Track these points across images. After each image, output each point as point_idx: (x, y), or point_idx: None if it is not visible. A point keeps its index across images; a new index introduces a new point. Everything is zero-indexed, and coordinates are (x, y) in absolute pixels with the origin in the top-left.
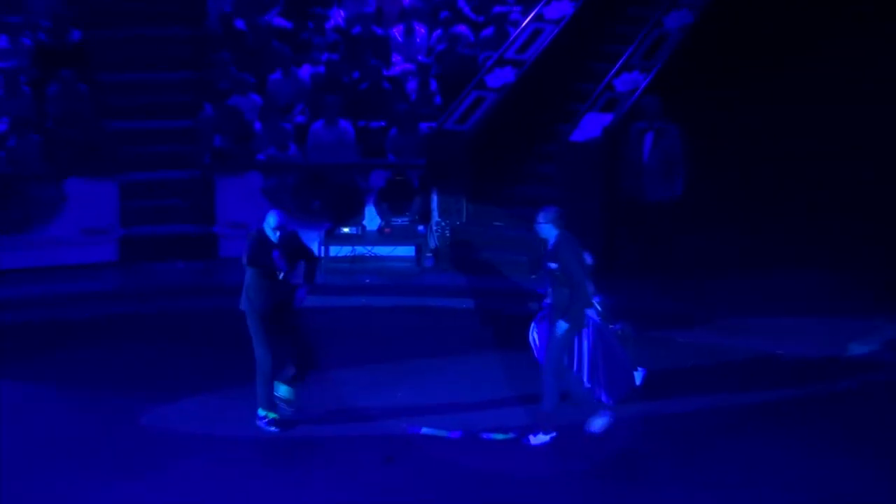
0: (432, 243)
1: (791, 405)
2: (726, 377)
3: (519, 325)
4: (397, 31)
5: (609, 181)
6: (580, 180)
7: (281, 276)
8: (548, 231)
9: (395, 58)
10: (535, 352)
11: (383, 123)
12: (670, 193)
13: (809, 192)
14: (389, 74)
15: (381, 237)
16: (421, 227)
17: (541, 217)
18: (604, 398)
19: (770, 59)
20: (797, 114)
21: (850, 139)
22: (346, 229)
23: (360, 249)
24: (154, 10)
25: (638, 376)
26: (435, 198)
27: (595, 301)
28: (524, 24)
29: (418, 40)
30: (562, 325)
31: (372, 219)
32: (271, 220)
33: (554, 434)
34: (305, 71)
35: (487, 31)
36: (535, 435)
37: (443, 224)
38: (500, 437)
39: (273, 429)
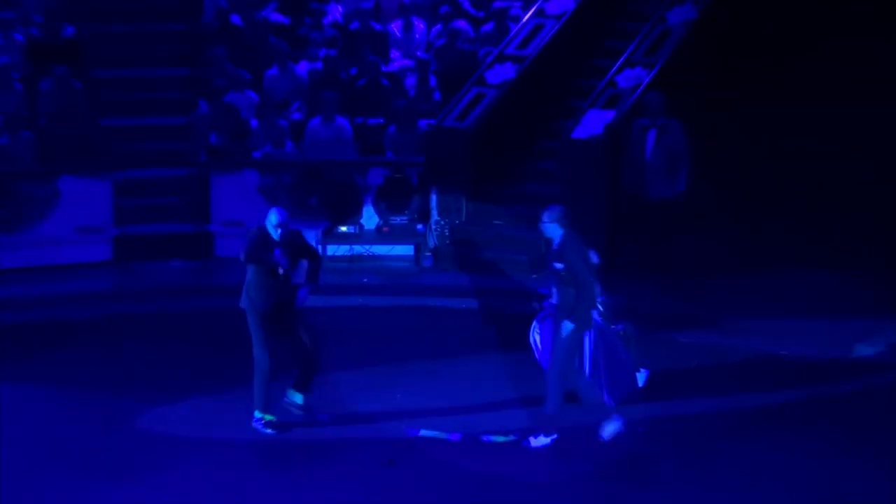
0: (431, 242)
1: (795, 407)
2: (729, 378)
3: (520, 326)
4: (396, 27)
5: (611, 179)
6: (582, 178)
7: (281, 273)
8: (553, 230)
9: (394, 53)
10: (535, 353)
11: (381, 120)
12: (673, 191)
13: (813, 191)
14: (388, 70)
15: (380, 236)
16: (420, 226)
17: (545, 216)
18: (605, 399)
19: (773, 57)
20: (800, 112)
21: (853, 138)
22: (343, 228)
23: (357, 248)
24: (149, 5)
25: (640, 377)
26: (434, 196)
27: (597, 301)
28: (525, 19)
29: (417, 35)
30: (567, 326)
31: (370, 217)
32: (273, 218)
33: (555, 436)
34: (302, 67)
35: (488, 27)
36: (535, 437)
37: (442, 223)
38: (500, 439)
39: (269, 431)
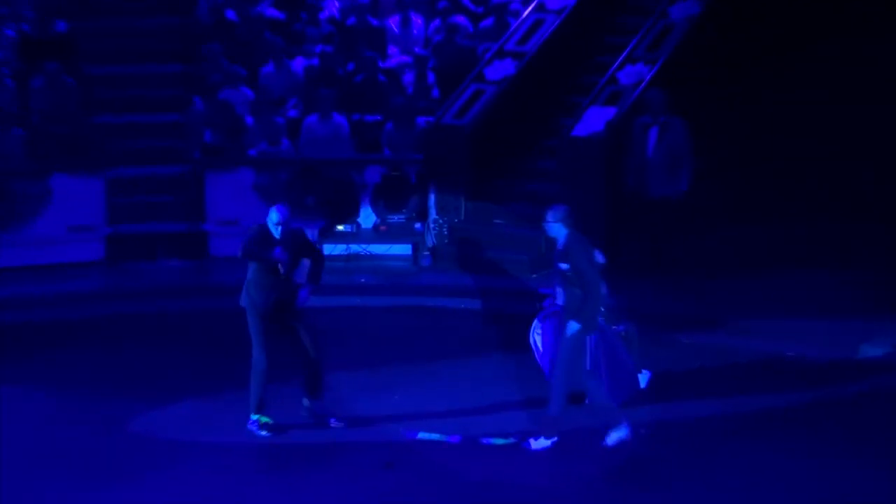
0: (430, 241)
1: (799, 409)
2: (733, 379)
3: (520, 326)
4: (393, 22)
5: (612, 177)
6: (582, 176)
7: (283, 271)
8: (557, 230)
9: (392, 49)
10: (536, 354)
11: (379, 117)
12: (675, 190)
13: (818, 190)
14: (385, 67)
15: (377, 235)
16: (418, 225)
17: (549, 216)
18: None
19: (778, 54)
20: (805, 111)
21: (860, 138)
22: (340, 227)
23: (355, 248)
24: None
25: (643, 379)
26: (432, 194)
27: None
28: (525, 14)
29: (415, 31)
30: (573, 326)
31: (367, 216)
32: (274, 215)
33: (556, 439)
34: (299, 63)
35: (487, 22)
36: (535, 439)
37: (440, 221)
38: (500, 441)
39: (264, 433)
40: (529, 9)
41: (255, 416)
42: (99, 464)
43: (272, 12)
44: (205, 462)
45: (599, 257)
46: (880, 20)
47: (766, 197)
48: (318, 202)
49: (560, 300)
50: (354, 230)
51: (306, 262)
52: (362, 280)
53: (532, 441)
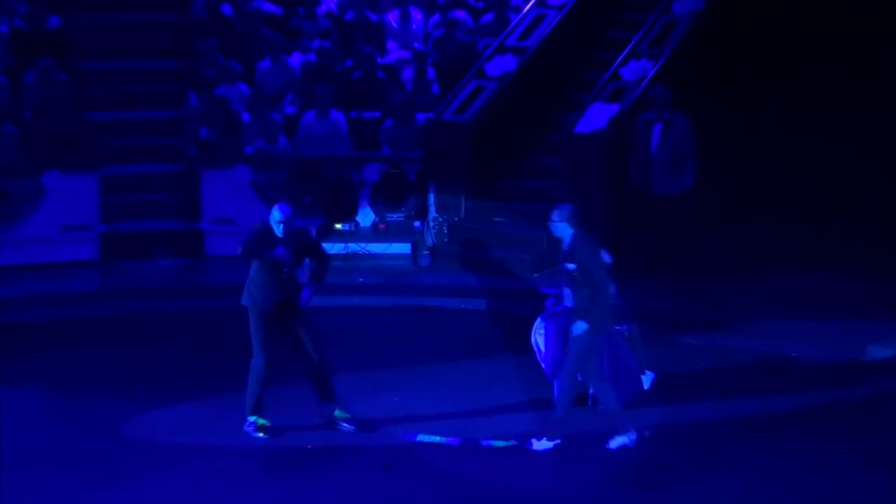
0: (429, 240)
1: (805, 411)
2: (738, 381)
3: (521, 326)
4: (392, 17)
5: (615, 175)
6: (585, 174)
7: (286, 271)
8: (562, 230)
9: (391, 45)
10: (537, 355)
11: (378, 114)
12: (679, 188)
13: (825, 189)
14: (384, 62)
15: (376, 234)
16: (417, 224)
17: (555, 215)
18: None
19: (786, 49)
20: (813, 109)
21: (869, 138)
22: (338, 226)
23: (353, 247)
24: None
25: (646, 380)
26: (432, 192)
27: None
28: (526, 9)
29: (414, 26)
30: (580, 326)
31: (366, 215)
32: (276, 214)
33: (558, 441)
34: (296, 59)
35: (487, 17)
36: (538, 440)
37: (440, 220)
38: (500, 444)
39: (260, 435)
40: (530, 4)
41: (251, 418)
42: (95, 466)
43: (269, 7)
44: (203, 464)
45: (606, 257)
46: (880, 20)
47: (775, 194)
48: (315, 200)
49: (569, 301)
50: (353, 229)
51: (310, 261)
52: (361, 280)
53: (534, 441)
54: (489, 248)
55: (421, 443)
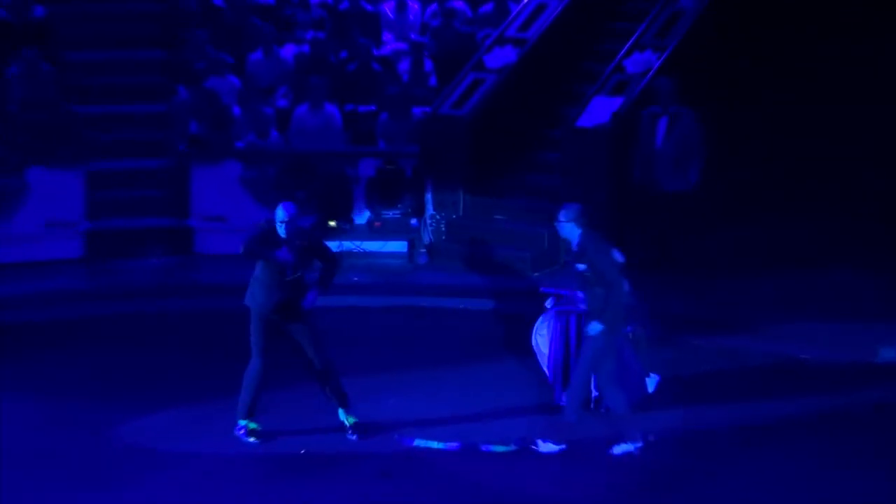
0: (426, 238)
1: (816, 414)
2: (747, 384)
3: (521, 327)
4: (388, 7)
5: (618, 170)
6: (587, 169)
7: (290, 273)
8: (570, 230)
9: (386, 36)
10: (538, 357)
11: (373, 107)
12: (685, 183)
13: (835, 188)
14: (380, 54)
15: (371, 231)
16: (414, 221)
17: (562, 215)
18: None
19: (795, 42)
20: (820, 108)
21: (881, 137)
22: (332, 223)
23: (348, 245)
24: None
25: (651, 383)
26: (429, 189)
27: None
28: None
29: (411, 16)
30: (595, 327)
31: (361, 212)
32: (279, 213)
33: (563, 447)
34: (288, 50)
35: (486, 7)
36: (544, 441)
37: (438, 217)
38: (500, 448)
39: (252, 439)
40: None
41: (242, 422)
42: (84, 471)
43: None
44: (195, 469)
45: (618, 255)
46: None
47: (784, 191)
48: (308, 197)
49: (583, 304)
50: (347, 226)
51: (317, 263)
52: (356, 279)
53: (540, 443)
54: (488, 247)
55: (419, 448)
